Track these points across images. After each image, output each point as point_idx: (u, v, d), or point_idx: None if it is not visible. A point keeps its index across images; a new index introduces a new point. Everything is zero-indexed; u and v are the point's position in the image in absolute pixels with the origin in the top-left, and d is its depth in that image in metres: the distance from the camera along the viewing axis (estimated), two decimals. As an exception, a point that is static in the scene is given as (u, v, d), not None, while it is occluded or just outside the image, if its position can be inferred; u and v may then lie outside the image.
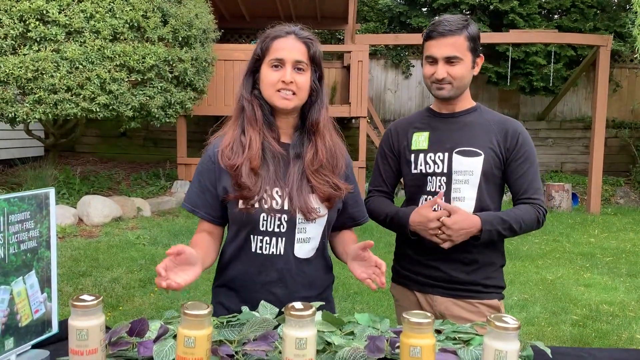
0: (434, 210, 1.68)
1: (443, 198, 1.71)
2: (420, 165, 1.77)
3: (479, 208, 1.72)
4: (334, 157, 1.52)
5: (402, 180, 1.93)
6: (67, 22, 5.61)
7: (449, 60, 1.67)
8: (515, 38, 8.82)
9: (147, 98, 6.26)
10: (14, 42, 5.53)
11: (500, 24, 10.98)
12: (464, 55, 1.68)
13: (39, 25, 5.52)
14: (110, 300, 4.04)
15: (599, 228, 7.42)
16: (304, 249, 1.50)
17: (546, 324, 3.90)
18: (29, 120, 5.75)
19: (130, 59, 5.93)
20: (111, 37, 5.89)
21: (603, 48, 8.58)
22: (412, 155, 1.79)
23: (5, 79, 5.45)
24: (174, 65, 6.45)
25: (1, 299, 1.04)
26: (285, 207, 1.45)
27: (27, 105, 5.61)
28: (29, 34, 5.53)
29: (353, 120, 10.69)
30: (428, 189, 1.76)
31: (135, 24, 6.04)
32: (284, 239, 1.47)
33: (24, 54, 5.53)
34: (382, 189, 1.91)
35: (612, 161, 10.57)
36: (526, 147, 1.75)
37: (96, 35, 5.80)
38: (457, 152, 1.73)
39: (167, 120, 6.80)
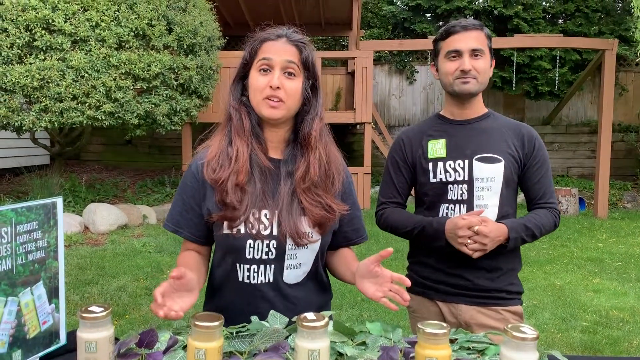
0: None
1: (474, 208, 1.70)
2: (440, 174, 1.73)
3: (501, 215, 1.71)
4: (329, 174, 1.38)
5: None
6: (73, 30, 5.63)
7: (474, 53, 1.67)
8: (519, 43, 8.80)
9: (153, 106, 6.27)
10: (20, 51, 5.55)
11: (504, 29, 10.98)
12: (486, 50, 1.70)
13: (44, 34, 5.54)
14: (116, 308, 4.02)
15: (606, 233, 7.37)
16: (294, 274, 1.39)
17: (556, 331, 3.86)
18: (35, 129, 5.77)
19: (135, 67, 5.94)
20: (116, 46, 5.91)
21: (608, 52, 8.55)
22: (430, 164, 1.75)
23: (11, 88, 5.47)
24: (179, 72, 6.46)
25: (9, 310, 1.02)
26: (274, 232, 1.32)
27: (33, 114, 5.62)
28: (35, 43, 5.55)
29: (358, 126, 10.68)
30: (449, 198, 1.73)
31: (141, 32, 6.06)
32: (272, 266, 1.35)
33: (30, 63, 5.54)
34: (396, 199, 1.86)
35: (618, 165, 10.52)
36: (542, 151, 1.75)
37: (101, 43, 5.82)
38: (477, 159, 1.71)
39: (173, 128, 6.80)
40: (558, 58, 10.18)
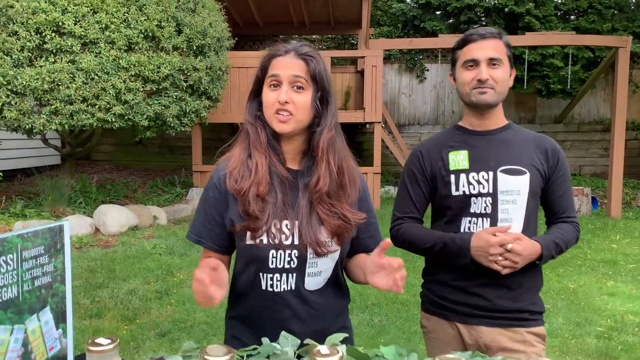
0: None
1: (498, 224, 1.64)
2: (463, 186, 1.66)
3: (526, 229, 1.65)
4: (342, 184, 1.40)
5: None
6: (83, 33, 5.64)
7: (492, 62, 1.62)
8: (531, 41, 8.70)
9: (162, 107, 6.27)
10: (30, 54, 5.57)
11: (515, 27, 10.86)
12: (504, 60, 1.64)
13: (55, 36, 5.55)
14: (127, 313, 4.02)
15: (620, 233, 7.27)
16: (315, 281, 1.43)
17: (570, 336, 3.80)
18: (45, 131, 5.79)
19: (145, 68, 5.94)
20: (126, 48, 5.91)
21: (622, 49, 8.42)
22: (452, 176, 1.68)
23: (22, 91, 5.49)
24: (188, 74, 6.45)
25: (15, 338, 1.00)
26: (296, 242, 1.36)
27: (44, 116, 5.64)
28: (45, 46, 5.56)
29: (367, 125, 10.63)
30: (472, 211, 1.66)
31: (150, 34, 6.05)
32: (294, 274, 1.39)
33: (41, 66, 5.56)
34: (414, 214, 1.79)
35: (632, 164, 10.39)
36: (564, 164, 1.71)
37: (111, 45, 5.82)
38: (502, 171, 1.65)
39: (182, 129, 6.80)
40: (570, 56, 10.06)
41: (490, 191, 1.64)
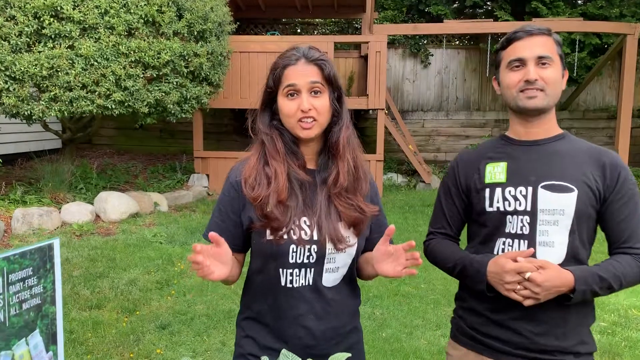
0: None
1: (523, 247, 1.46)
2: (498, 202, 1.48)
3: (571, 256, 1.44)
4: (357, 178, 1.45)
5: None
6: (82, 18, 5.54)
7: (541, 61, 1.45)
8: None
9: (163, 94, 6.19)
10: (28, 40, 5.48)
11: (522, 12, 10.69)
12: (555, 58, 1.47)
13: (53, 22, 5.46)
14: (126, 304, 4.00)
15: (624, 224, 7.21)
16: (332, 277, 1.45)
17: (573, 332, 3.77)
18: (45, 118, 5.72)
19: (145, 54, 5.85)
20: (126, 33, 5.82)
21: (630, 36, 8.30)
22: (487, 190, 1.51)
23: (20, 77, 5.41)
24: (189, 60, 6.36)
25: (2, 366, 0.96)
26: (315, 237, 1.39)
27: (43, 103, 5.57)
28: (43, 31, 5.47)
29: (370, 112, 10.53)
30: (507, 231, 1.48)
31: (150, 19, 5.95)
32: (312, 269, 1.42)
33: (39, 51, 5.47)
34: (445, 231, 1.64)
35: (637, 152, 10.30)
36: (629, 184, 1.46)
37: (111, 31, 5.72)
38: (544, 187, 1.45)
39: (183, 116, 6.73)
40: (577, 42, 9.91)
41: (528, 209, 1.45)
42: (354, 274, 1.52)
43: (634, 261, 1.43)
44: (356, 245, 1.44)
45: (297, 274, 1.41)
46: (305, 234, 1.38)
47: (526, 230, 1.45)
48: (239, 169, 1.45)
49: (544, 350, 1.45)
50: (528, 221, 1.45)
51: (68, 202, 6.32)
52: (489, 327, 1.51)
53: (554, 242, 1.44)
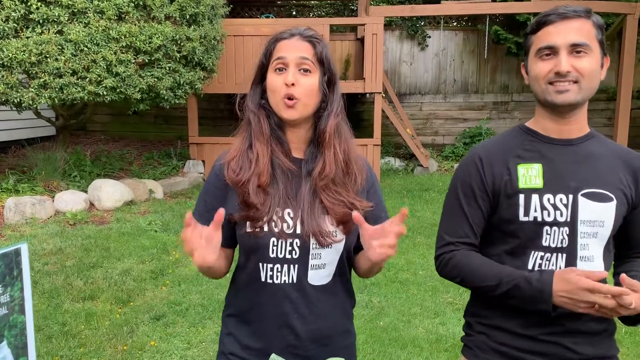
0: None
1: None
2: (535, 211, 1.32)
3: (605, 270, 1.35)
4: (349, 172, 1.35)
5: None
6: (70, 2, 5.40)
7: (575, 49, 1.27)
8: (537, 7, 8.43)
9: (155, 79, 6.07)
10: (16, 25, 5.34)
11: (521, -9, 10.51)
12: (593, 45, 1.28)
13: (41, 6, 5.32)
14: (120, 294, 3.94)
15: (623, 206, 7.17)
16: (319, 275, 1.35)
17: (573, 318, 3.73)
18: (35, 105, 5.61)
19: (136, 39, 5.72)
20: (116, 17, 5.68)
21: (630, 16, 8.18)
22: (521, 197, 1.33)
23: (8, 64, 5.29)
24: (182, 44, 6.23)
25: (-35, 383, 0.89)
26: (298, 231, 1.31)
27: (33, 90, 5.45)
28: (31, 16, 5.33)
29: (367, 95, 10.41)
30: (544, 244, 1.32)
31: (141, 3, 5.81)
32: (296, 265, 1.32)
33: (27, 37, 5.34)
34: (470, 240, 1.42)
35: (636, 134, 10.21)
36: None
37: (100, 15, 5.59)
38: (585, 195, 1.31)
39: (177, 102, 6.62)
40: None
41: (569, 220, 1.31)
42: (347, 272, 1.43)
43: None
44: (344, 241, 1.34)
45: (279, 269, 1.32)
46: (288, 226, 1.31)
47: (565, 243, 1.32)
48: (224, 155, 1.39)
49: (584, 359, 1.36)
50: (567, 233, 1.31)
51: (61, 191, 6.24)
52: (523, 341, 1.37)
53: (594, 256, 1.33)
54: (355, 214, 1.16)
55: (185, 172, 8.25)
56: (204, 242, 1.15)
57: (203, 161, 8.43)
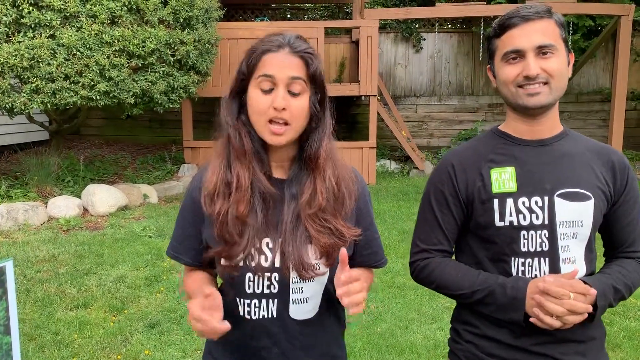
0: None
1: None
2: (511, 215, 1.29)
3: (589, 270, 1.33)
4: (338, 196, 1.23)
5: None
6: (62, 6, 5.35)
7: (542, 51, 1.25)
8: (531, 9, 8.42)
9: (149, 84, 6.03)
10: (7, 29, 5.29)
11: (515, -7, 10.52)
12: (559, 45, 1.27)
13: (33, 10, 5.27)
14: (114, 302, 3.89)
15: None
16: (302, 310, 1.25)
17: (571, 323, 3.70)
18: (27, 111, 5.55)
19: (129, 43, 5.67)
20: (109, 21, 5.64)
21: (624, 18, 8.19)
22: (496, 202, 1.30)
23: (0, 68, 5.23)
24: (175, 48, 6.19)
25: (-54, 409, 0.85)
26: (277, 264, 1.19)
27: (25, 95, 5.40)
28: (23, 20, 5.28)
29: (362, 98, 10.39)
30: (524, 249, 1.29)
31: (134, 6, 5.77)
32: (276, 300, 1.22)
33: (19, 42, 5.29)
34: (443, 247, 1.41)
35: (631, 135, 10.24)
36: (635, 184, 1.34)
37: (93, 19, 5.54)
38: (560, 196, 1.29)
39: (171, 106, 6.58)
40: (571, 24, 9.77)
41: (546, 222, 1.28)
42: (335, 300, 1.27)
43: (638, 265, 1.35)
44: (327, 274, 1.23)
45: (257, 305, 1.22)
46: (266, 259, 1.19)
47: (545, 247, 1.28)
48: (201, 175, 1.27)
49: None
50: (547, 236, 1.28)
51: (55, 196, 6.18)
52: (512, 352, 1.33)
53: (575, 257, 1.30)
54: (343, 252, 1.09)
55: (180, 177, 8.19)
56: (208, 316, 1.09)
57: (198, 165, 8.38)
